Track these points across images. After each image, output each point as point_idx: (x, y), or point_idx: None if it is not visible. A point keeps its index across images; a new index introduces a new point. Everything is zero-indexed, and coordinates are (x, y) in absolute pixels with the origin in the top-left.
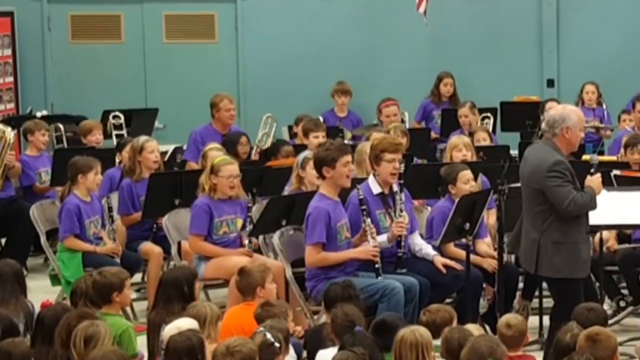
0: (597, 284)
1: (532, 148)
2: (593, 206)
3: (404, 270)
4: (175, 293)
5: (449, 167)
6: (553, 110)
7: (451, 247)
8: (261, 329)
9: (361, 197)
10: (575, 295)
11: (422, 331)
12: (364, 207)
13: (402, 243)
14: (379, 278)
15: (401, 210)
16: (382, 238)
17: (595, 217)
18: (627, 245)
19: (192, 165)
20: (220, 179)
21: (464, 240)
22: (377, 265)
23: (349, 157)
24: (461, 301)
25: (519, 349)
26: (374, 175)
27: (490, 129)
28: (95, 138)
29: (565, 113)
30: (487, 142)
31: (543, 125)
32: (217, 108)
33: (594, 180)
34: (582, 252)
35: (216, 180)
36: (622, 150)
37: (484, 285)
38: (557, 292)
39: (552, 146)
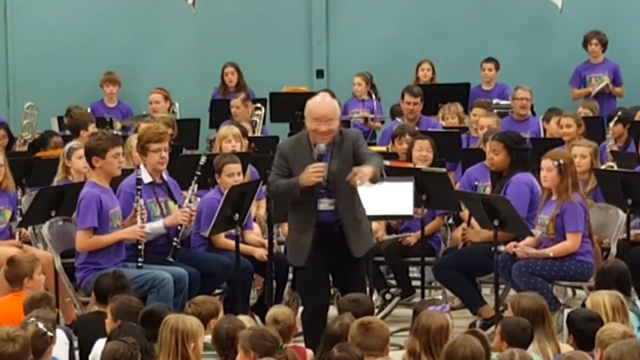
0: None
1: None
2: (290, 195)
3: (173, 260)
4: None
5: (220, 157)
6: None
7: (221, 238)
8: (32, 319)
9: (139, 176)
10: (300, 282)
11: (189, 319)
12: (139, 187)
13: (180, 232)
14: (142, 268)
15: (190, 201)
16: (157, 224)
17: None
18: (393, 236)
19: None
20: None
21: (232, 231)
22: (140, 247)
23: (119, 149)
24: (231, 292)
25: (289, 341)
26: (144, 165)
27: (262, 120)
28: None
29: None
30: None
31: None
32: None
33: (306, 170)
34: (296, 242)
35: None
36: (390, 141)
37: (254, 276)
38: None
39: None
